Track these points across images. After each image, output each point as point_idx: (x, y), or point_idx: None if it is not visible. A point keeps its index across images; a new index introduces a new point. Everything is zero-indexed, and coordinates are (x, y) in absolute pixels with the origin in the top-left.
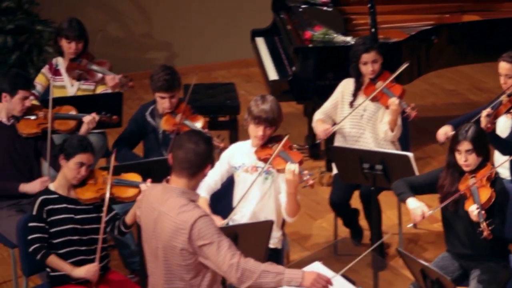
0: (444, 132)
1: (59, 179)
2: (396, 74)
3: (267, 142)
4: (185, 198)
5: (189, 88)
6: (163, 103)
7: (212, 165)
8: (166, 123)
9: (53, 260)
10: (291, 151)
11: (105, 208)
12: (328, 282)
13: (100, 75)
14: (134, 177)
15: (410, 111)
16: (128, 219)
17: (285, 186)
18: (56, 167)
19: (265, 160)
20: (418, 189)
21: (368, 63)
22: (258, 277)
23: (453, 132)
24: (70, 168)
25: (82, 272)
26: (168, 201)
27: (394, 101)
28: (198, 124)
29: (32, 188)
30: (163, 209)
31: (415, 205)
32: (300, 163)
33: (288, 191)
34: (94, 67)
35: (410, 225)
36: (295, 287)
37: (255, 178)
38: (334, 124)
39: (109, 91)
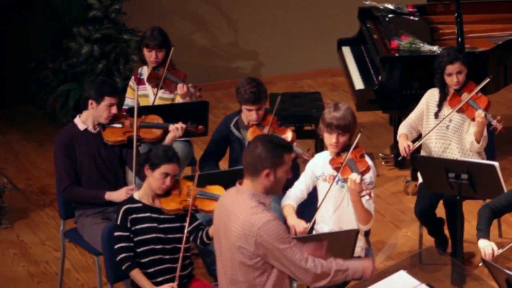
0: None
1: (144, 188)
2: (481, 87)
3: (342, 151)
4: (255, 200)
5: (276, 101)
6: (249, 115)
7: (297, 175)
8: (252, 135)
9: (136, 274)
10: (360, 159)
11: (188, 219)
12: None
13: (175, 85)
14: (218, 190)
15: (496, 124)
16: (211, 230)
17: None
18: (141, 176)
19: (336, 169)
20: (504, 211)
21: (453, 74)
22: (332, 277)
23: None
24: (156, 178)
25: None
26: (238, 202)
27: (480, 114)
28: (287, 137)
29: (118, 196)
30: (234, 209)
31: (485, 243)
32: (364, 172)
33: (351, 199)
34: (170, 76)
35: (480, 264)
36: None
37: (329, 187)
38: (420, 135)
39: (181, 100)
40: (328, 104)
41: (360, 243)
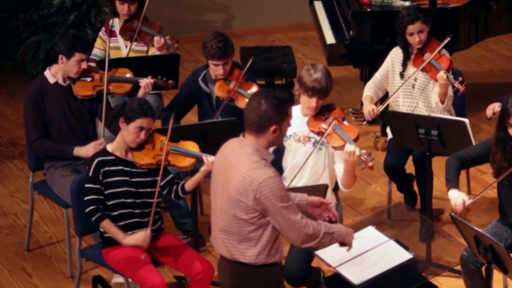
0: (492, 107)
1: (117, 140)
2: (441, 47)
3: (318, 112)
4: (258, 155)
5: (248, 63)
6: (216, 70)
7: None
8: (219, 90)
9: (107, 224)
10: (346, 125)
11: (160, 175)
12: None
13: (150, 37)
14: (191, 146)
15: (458, 86)
16: (189, 185)
17: (343, 164)
18: (112, 129)
19: (319, 134)
20: (471, 162)
21: (415, 34)
22: (320, 239)
23: (500, 108)
24: (130, 132)
25: (132, 240)
26: (241, 155)
27: (441, 76)
28: (252, 93)
29: (86, 152)
30: (235, 162)
31: (456, 195)
32: (356, 139)
33: (346, 168)
34: (145, 28)
35: (452, 214)
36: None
37: (311, 152)
38: (387, 94)
39: (156, 52)
40: (300, 58)
41: (331, 200)
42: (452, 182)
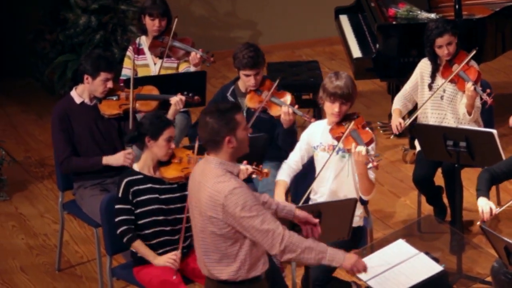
0: None
1: (144, 159)
2: (469, 58)
3: (342, 120)
4: (222, 169)
5: (275, 82)
6: (248, 80)
7: (296, 140)
8: (251, 101)
9: (138, 245)
10: (363, 130)
11: None
12: (365, 269)
13: (182, 52)
14: None
15: (486, 98)
16: None
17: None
18: (140, 146)
19: (337, 139)
20: (503, 177)
21: (443, 46)
22: (301, 253)
23: None
24: (160, 146)
25: (162, 261)
26: (206, 172)
27: (469, 88)
28: (286, 100)
29: (116, 160)
30: (202, 180)
31: (483, 202)
32: (369, 143)
33: (357, 171)
34: (177, 44)
35: (479, 223)
36: (336, 266)
37: (329, 157)
38: (416, 106)
39: (192, 68)
40: (327, 73)
41: (358, 212)
42: (482, 191)
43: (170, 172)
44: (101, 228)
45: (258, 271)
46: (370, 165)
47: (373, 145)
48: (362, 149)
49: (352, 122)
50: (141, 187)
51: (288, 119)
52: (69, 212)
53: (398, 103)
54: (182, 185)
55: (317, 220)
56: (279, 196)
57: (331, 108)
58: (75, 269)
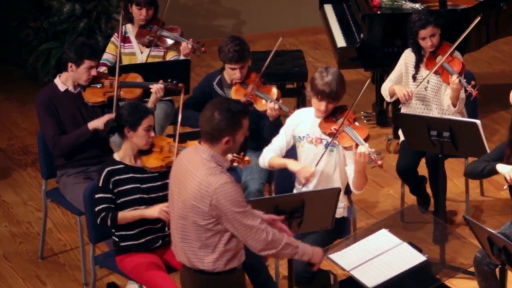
0: None
1: (124, 149)
2: (452, 50)
3: (330, 114)
4: (214, 161)
5: (260, 71)
6: (233, 74)
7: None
8: (236, 93)
9: (123, 216)
10: (356, 125)
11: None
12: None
13: (170, 42)
14: None
15: (470, 90)
16: None
17: (353, 165)
18: (121, 135)
19: (330, 135)
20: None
21: (427, 38)
22: (281, 249)
23: None
24: (140, 136)
25: (155, 212)
26: (197, 162)
27: (454, 81)
28: (272, 95)
29: (100, 122)
30: (192, 168)
31: (507, 168)
32: (366, 139)
33: (357, 169)
34: (166, 33)
35: (505, 186)
36: (304, 260)
37: (323, 153)
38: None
39: (179, 57)
40: (311, 62)
41: (342, 203)
42: (490, 163)
43: (151, 161)
44: (84, 216)
45: (235, 263)
46: (374, 165)
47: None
48: (364, 149)
49: (344, 118)
50: (122, 177)
51: (274, 114)
52: (53, 200)
53: (390, 83)
54: (163, 173)
55: (282, 217)
56: (289, 161)
57: (318, 105)
58: (58, 257)
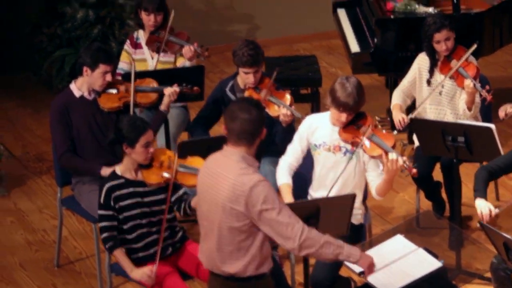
0: (504, 109)
1: (125, 163)
2: (468, 54)
3: (350, 122)
4: (245, 162)
5: (273, 75)
6: (247, 78)
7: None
8: None
9: (118, 255)
10: (381, 133)
11: (168, 193)
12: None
13: (178, 47)
14: (199, 163)
15: (485, 95)
16: (194, 203)
17: (375, 172)
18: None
19: (353, 144)
20: (500, 172)
21: (441, 42)
22: (320, 247)
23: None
24: (138, 152)
25: (138, 275)
26: (227, 164)
27: (468, 85)
28: (285, 100)
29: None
30: (222, 171)
31: (482, 204)
32: (394, 146)
33: (387, 178)
34: (172, 38)
35: (478, 225)
36: (350, 263)
37: (347, 163)
38: (414, 101)
39: (187, 63)
40: (325, 67)
41: (360, 210)
42: (479, 192)
43: (151, 177)
44: None
45: (265, 269)
46: (408, 173)
47: None
48: (396, 157)
49: (368, 126)
50: (123, 191)
51: (287, 120)
52: (68, 208)
53: (398, 98)
54: (165, 186)
55: None
56: (288, 200)
57: (338, 116)
58: (74, 265)
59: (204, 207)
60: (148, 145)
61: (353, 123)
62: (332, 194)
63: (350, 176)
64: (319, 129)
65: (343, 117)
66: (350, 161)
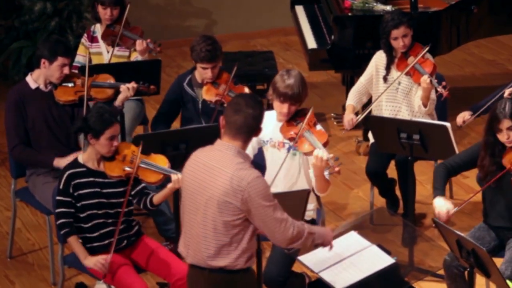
0: (462, 116)
1: (89, 152)
2: (424, 52)
3: (291, 118)
4: (241, 157)
5: (232, 70)
6: (205, 73)
7: None
8: (207, 93)
9: (73, 242)
10: (316, 130)
11: (128, 189)
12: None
13: (131, 42)
14: (161, 161)
15: (441, 90)
16: (157, 199)
17: (312, 169)
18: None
19: (290, 140)
20: (459, 169)
21: (399, 38)
22: (304, 239)
23: (470, 117)
24: (102, 145)
25: (91, 262)
26: (223, 158)
27: (425, 80)
28: None
29: (66, 162)
30: (217, 164)
31: (441, 203)
32: (325, 144)
33: (315, 174)
34: (126, 33)
35: (435, 218)
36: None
37: (284, 158)
38: (371, 99)
39: (139, 57)
40: (281, 63)
41: (312, 205)
42: (438, 190)
43: (113, 170)
44: (54, 215)
45: (251, 263)
46: (331, 171)
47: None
48: (322, 154)
49: (304, 122)
50: (82, 180)
51: None
52: (22, 199)
53: (352, 98)
54: (125, 180)
55: None
56: None
57: (280, 108)
58: (27, 257)
59: (191, 201)
60: (113, 138)
61: (293, 119)
62: (279, 189)
63: (294, 173)
64: (266, 125)
65: (285, 107)
66: (293, 157)
